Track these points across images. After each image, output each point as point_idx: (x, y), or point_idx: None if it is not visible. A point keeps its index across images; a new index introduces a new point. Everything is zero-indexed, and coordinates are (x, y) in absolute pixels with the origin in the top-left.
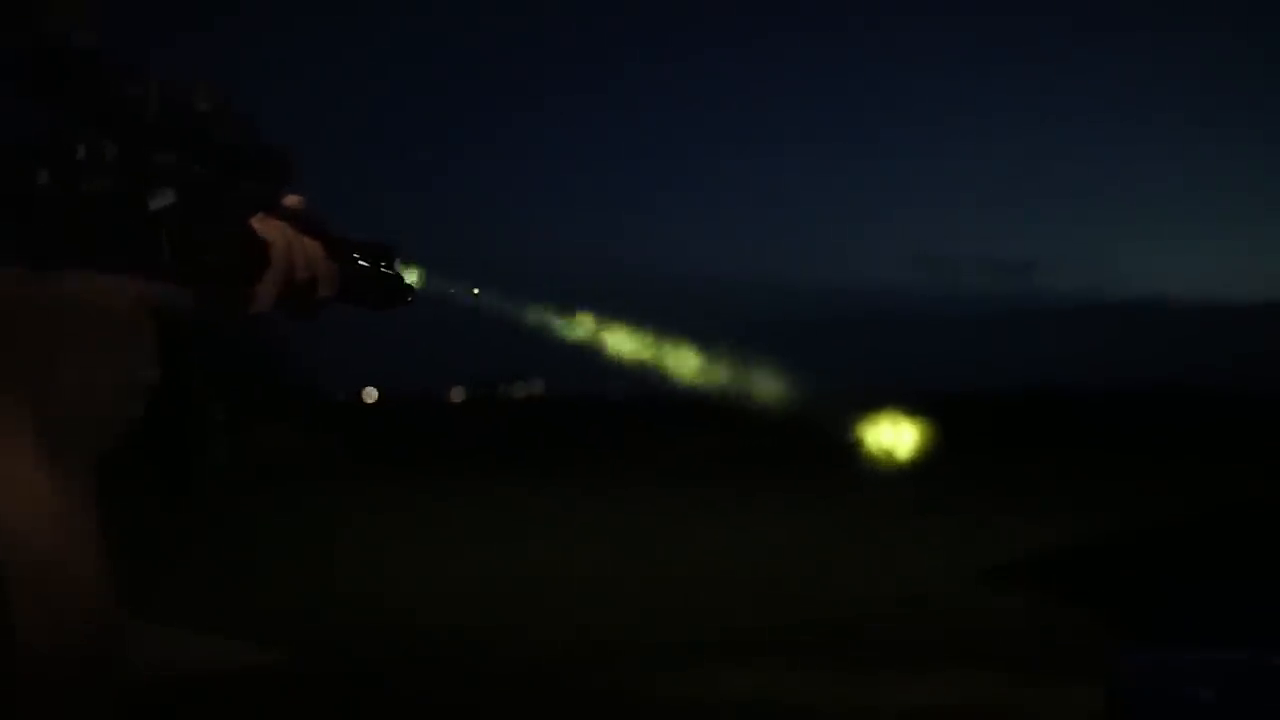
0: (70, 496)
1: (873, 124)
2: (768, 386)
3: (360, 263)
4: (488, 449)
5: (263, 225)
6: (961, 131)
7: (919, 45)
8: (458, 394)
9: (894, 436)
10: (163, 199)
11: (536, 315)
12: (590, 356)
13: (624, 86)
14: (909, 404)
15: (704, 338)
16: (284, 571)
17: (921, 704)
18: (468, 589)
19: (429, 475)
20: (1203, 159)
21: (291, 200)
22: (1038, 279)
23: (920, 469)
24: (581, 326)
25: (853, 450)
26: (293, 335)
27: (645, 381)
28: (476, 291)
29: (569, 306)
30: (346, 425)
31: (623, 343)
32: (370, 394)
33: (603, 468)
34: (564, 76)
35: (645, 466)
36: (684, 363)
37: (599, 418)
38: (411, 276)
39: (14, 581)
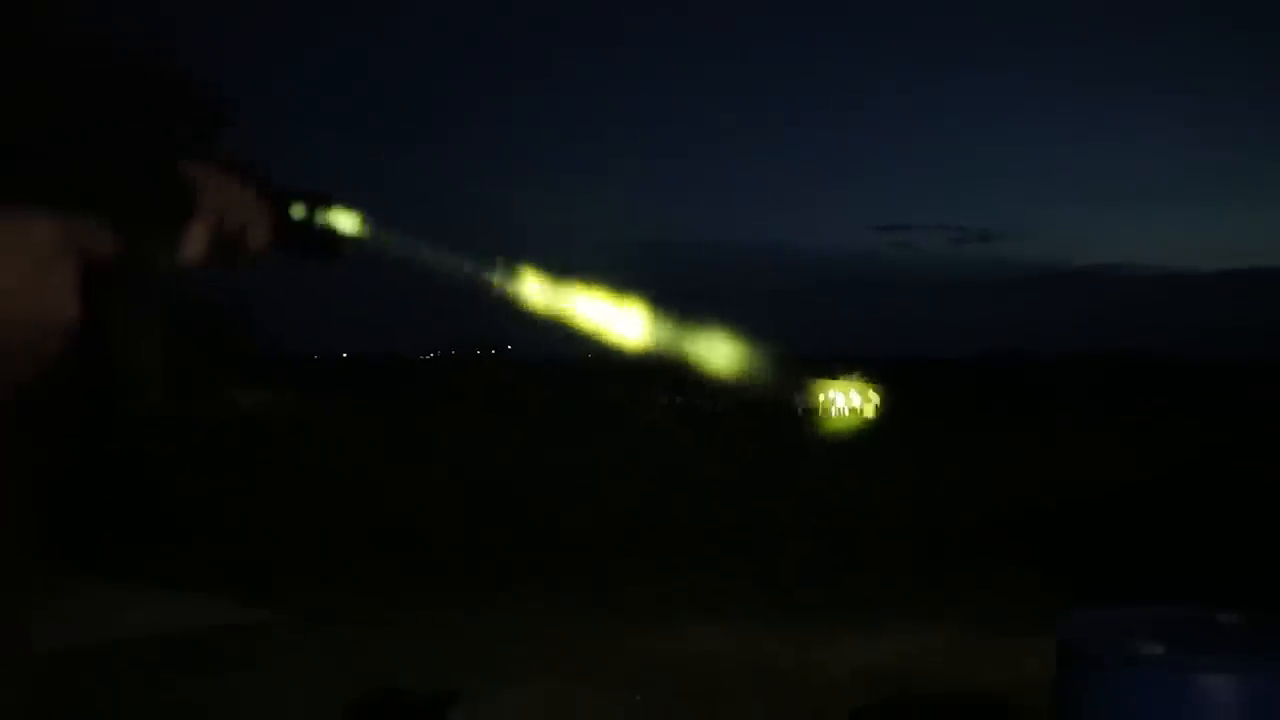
0: None
1: (837, 93)
2: (730, 351)
3: (296, 212)
4: (452, 409)
5: (192, 170)
6: (924, 101)
7: (885, 19)
8: (428, 354)
9: (856, 400)
10: (89, 138)
11: (490, 272)
12: (554, 319)
13: (597, 55)
14: (872, 368)
15: (667, 301)
16: (224, 525)
17: (881, 659)
18: (440, 553)
19: (387, 433)
20: (1163, 129)
21: (226, 146)
22: (999, 247)
23: (881, 432)
24: (539, 286)
25: (813, 413)
26: (264, 292)
27: (606, 344)
28: (416, 245)
29: (522, 264)
30: (315, 382)
31: (587, 306)
32: (343, 353)
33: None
34: (535, 46)
35: (615, 431)
36: (646, 326)
37: (568, 379)
38: (351, 227)
39: None
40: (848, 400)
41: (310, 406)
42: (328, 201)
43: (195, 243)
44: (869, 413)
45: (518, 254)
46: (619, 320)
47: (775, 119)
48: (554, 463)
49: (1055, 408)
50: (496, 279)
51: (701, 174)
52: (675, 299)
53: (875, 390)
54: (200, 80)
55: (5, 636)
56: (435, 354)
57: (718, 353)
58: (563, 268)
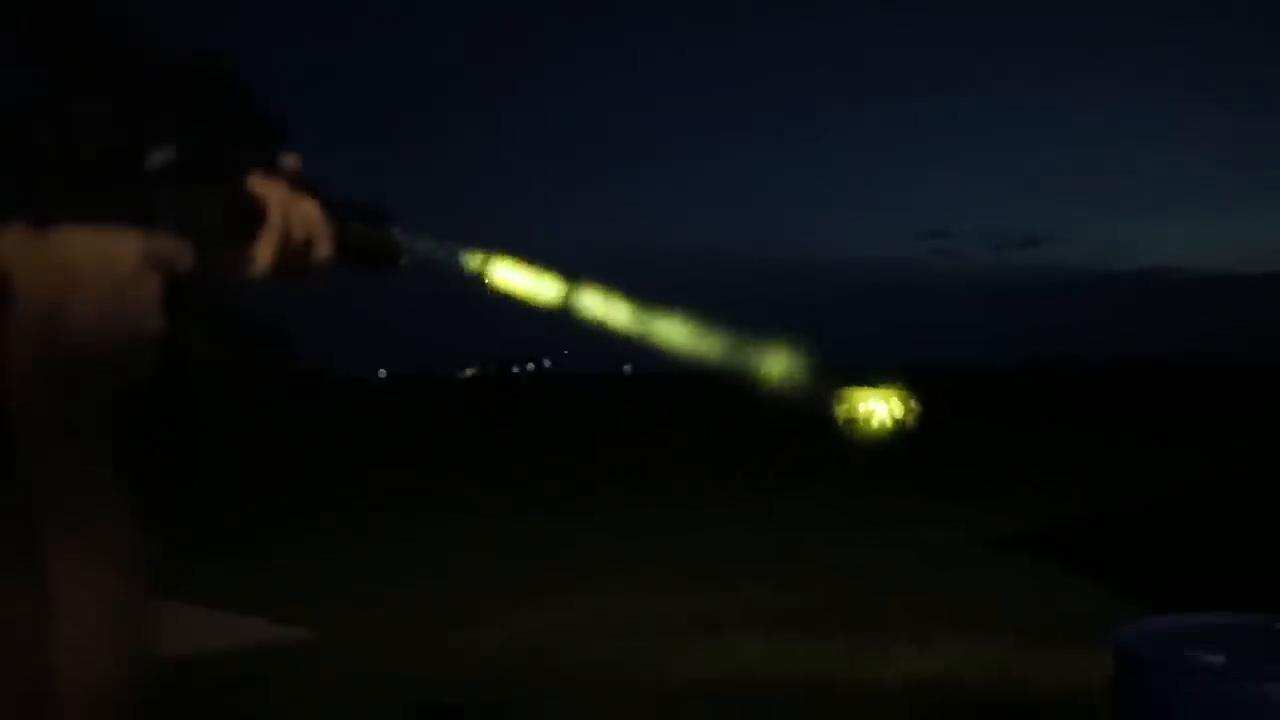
0: (84, 452)
1: (881, 100)
2: (774, 360)
3: (355, 225)
4: (497, 432)
5: (259, 185)
6: (968, 106)
7: (927, 22)
8: (469, 371)
9: (901, 410)
10: (162, 156)
11: (540, 287)
12: (598, 333)
13: (637, 63)
14: (917, 377)
15: (711, 311)
16: (294, 549)
17: (932, 672)
18: (478, 569)
19: (435, 460)
20: (1208, 130)
21: (289, 161)
22: (1045, 252)
23: (929, 442)
24: (589, 300)
25: (860, 424)
26: (307, 312)
27: (651, 357)
28: (470, 257)
29: (576, 279)
30: (358, 406)
31: (629, 317)
32: (381, 373)
33: (620, 447)
34: (575, 54)
35: (656, 444)
36: (689, 337)
37: (610, 394)
38: (407, 240)
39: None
40: (895, 408)
41: (347, 422)
42: (384, 215)
43: (263, 257)
44: (918, 421)
45: (554, 266)
46: (661, 331)
47: (817, 126)
48: (579, 489)
49: (1104, 413)
50: (541, 290)
51: (737, 184)
52: (714, 308)
53: (924, 397)
54: (263, 94)
55: (133, 638)
56: (474, 371)
57: (762, 362)
58: (599, 277)
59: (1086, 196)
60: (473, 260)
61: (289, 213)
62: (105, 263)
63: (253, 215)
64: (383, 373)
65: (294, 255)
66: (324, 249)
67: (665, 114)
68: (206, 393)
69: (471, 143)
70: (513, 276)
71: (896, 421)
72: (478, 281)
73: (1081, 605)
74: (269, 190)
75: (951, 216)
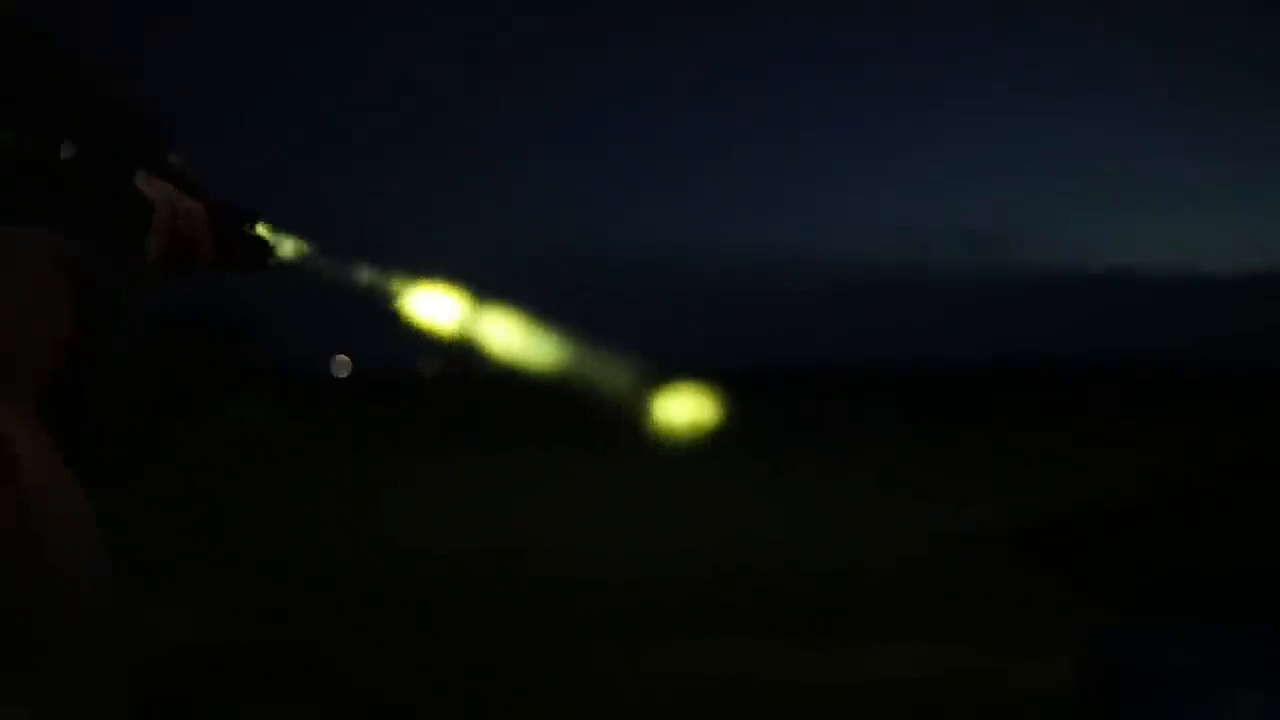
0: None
1: (844, 95)
2: (731, 358)
3: (234, 225)
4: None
5: (147, 184)
6: (934, 103)
7: (893, 21)
8: (429, 367)
9: (867, 408)
10: (64, 153)
11: (440, 307)
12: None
13: (595, 55)
14: (882, 377)
15: (675, 310)
16: (239, 545)
17: (893, 675)
18: (430, 566)
19: (385, 452)
20: (1177, 128)
21: (175, 160)
22: (1012, 251)
23: (892, 441)
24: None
25: (827, 422)
26: (261, 305)
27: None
28: (345, 262)
29: (478, 290)
30: (313, 397)
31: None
32: (343, 363)
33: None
34: (532, 48)
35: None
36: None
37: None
38: (286, 245)
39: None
40: (862, 407)
41: (308, 423)
42: (256, 215)
43: (150, 254)
44: (882, 420)
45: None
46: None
47: (778, 121)
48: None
49: (1074, 415)
50: (413, 296)
51: (702, 178)
52: (681, 308)
53: (889, 397)
54: (148, 94)
55: (103, 640)
56: (440, 369)
57: (718, 360)
58: (539, 276)
59: (1057, 195)
60: (349, 267)
61: (175, 212)
62: (12, 262)
63: (142, 214)
64: (341, 362)
65: (178, 255)
66: (207, 249)
67: (625, 107)
68: (127, 390)
69: (423, 146)
70: (387, 285)
71: (865, 418)
72: (356, 288)
73: (1054, 606)
74: (156, 189)
75: (920, 214)
